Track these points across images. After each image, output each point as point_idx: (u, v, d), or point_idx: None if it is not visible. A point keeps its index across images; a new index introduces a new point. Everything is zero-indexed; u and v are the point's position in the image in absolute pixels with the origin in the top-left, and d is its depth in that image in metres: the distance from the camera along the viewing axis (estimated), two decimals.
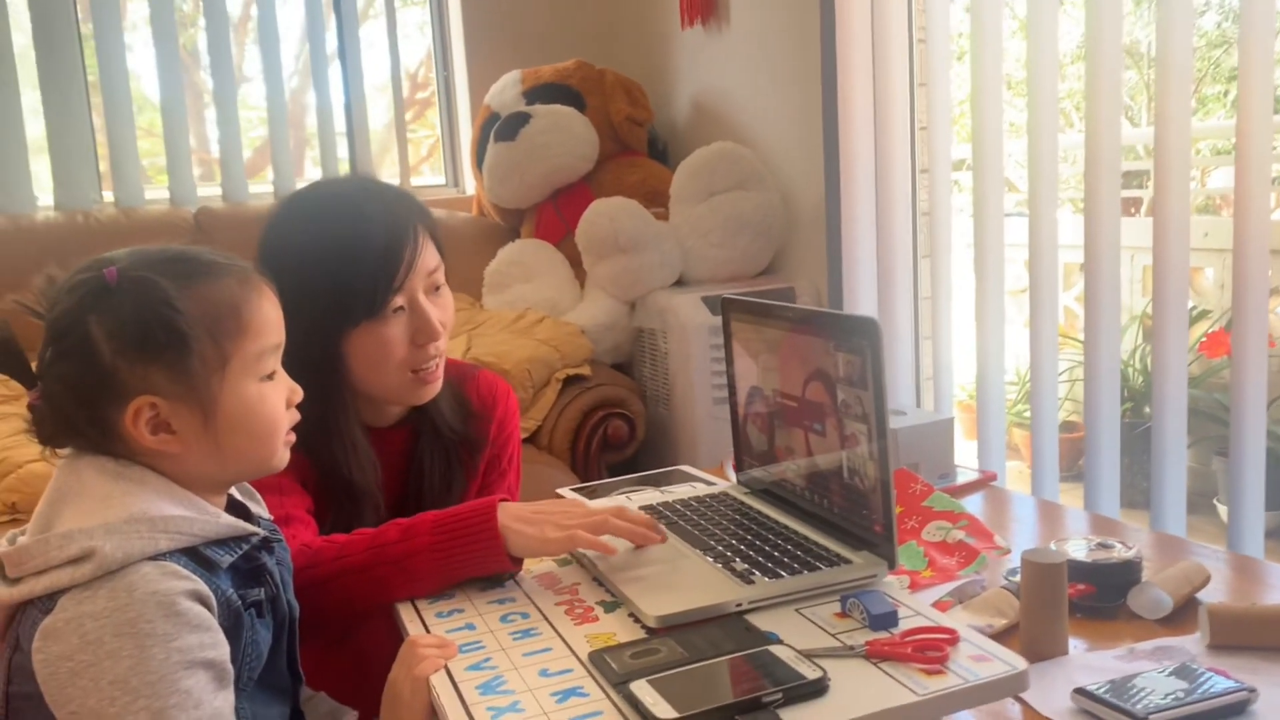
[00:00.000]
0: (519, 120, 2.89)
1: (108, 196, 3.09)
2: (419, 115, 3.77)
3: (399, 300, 1.14)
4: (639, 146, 3.09)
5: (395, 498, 1.28)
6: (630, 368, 2.80)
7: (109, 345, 0.80)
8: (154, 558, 0.78)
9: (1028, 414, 2.34)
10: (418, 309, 1.16)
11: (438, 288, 1.20)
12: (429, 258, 1.17)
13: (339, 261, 1.12)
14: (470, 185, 3.43)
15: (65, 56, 2.90)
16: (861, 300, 2.55)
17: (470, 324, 2.69)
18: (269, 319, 0.87)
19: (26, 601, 0.78)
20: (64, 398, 0.81)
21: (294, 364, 0.92)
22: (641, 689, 0.79)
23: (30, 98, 2.89)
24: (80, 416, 0.81)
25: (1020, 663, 0.82)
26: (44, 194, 2.98)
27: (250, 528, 0.86)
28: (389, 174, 3.44)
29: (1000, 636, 1.13)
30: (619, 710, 0.79)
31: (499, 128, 2.93)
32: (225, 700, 0.79)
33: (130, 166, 3.04)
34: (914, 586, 1.26)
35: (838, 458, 1.07)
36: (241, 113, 3.19)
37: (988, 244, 2.25)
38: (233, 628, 0.82)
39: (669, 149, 3.24)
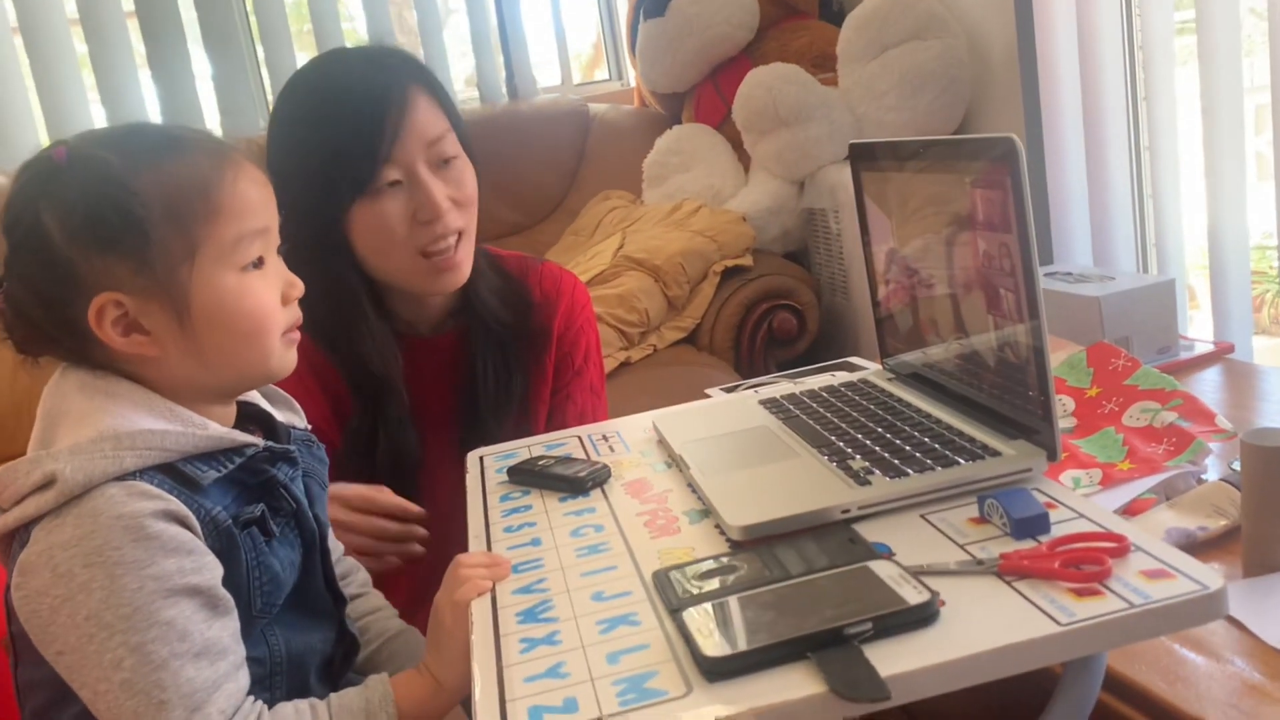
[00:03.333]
0: None
1: None
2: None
3: (392, 173, 1.02)
4: (808, 8, 2.79)
5: (451, 411, 1.16)
6: (802, 255, 2.57)
7: (61, 235, 0.71)
8: (121, 478, 0.69)
9: None
10: (417, 182, 1.03)
11: (446, 160, 1.05)
12: (427, 124, 1.03)
13: (321, 132, 1.01)
14: (633, 76, 3.25)
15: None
16: (1068, 154, 2.20)
17: (626, 221, 2.54)
18: (248, 200, 0.76)
19: (11, 534, 0.72)
20: (25, 298, 0.73)
21: (298, 252, 0.81)
22: (695, 617, 0.63)
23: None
24: (45, 319, 0.73)
25: (1214, 580, 0.60)
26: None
27: (245, 438, 0.76)
28: (551, 72, 3.32)
29: (1218, 542, 0.90)
30: (669, 643, 0.63)
31: (647, 4, 2.73)
32: (222, 629, 0.70)
33: None
34: (1107, 482, 1.04)
35: (987, 325, 0.85)
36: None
37: (1220, 82, 1.84)
38: (226, 549, 0.72)
39: (845, 7, 2.92)
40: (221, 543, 0.72)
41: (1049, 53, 2.16)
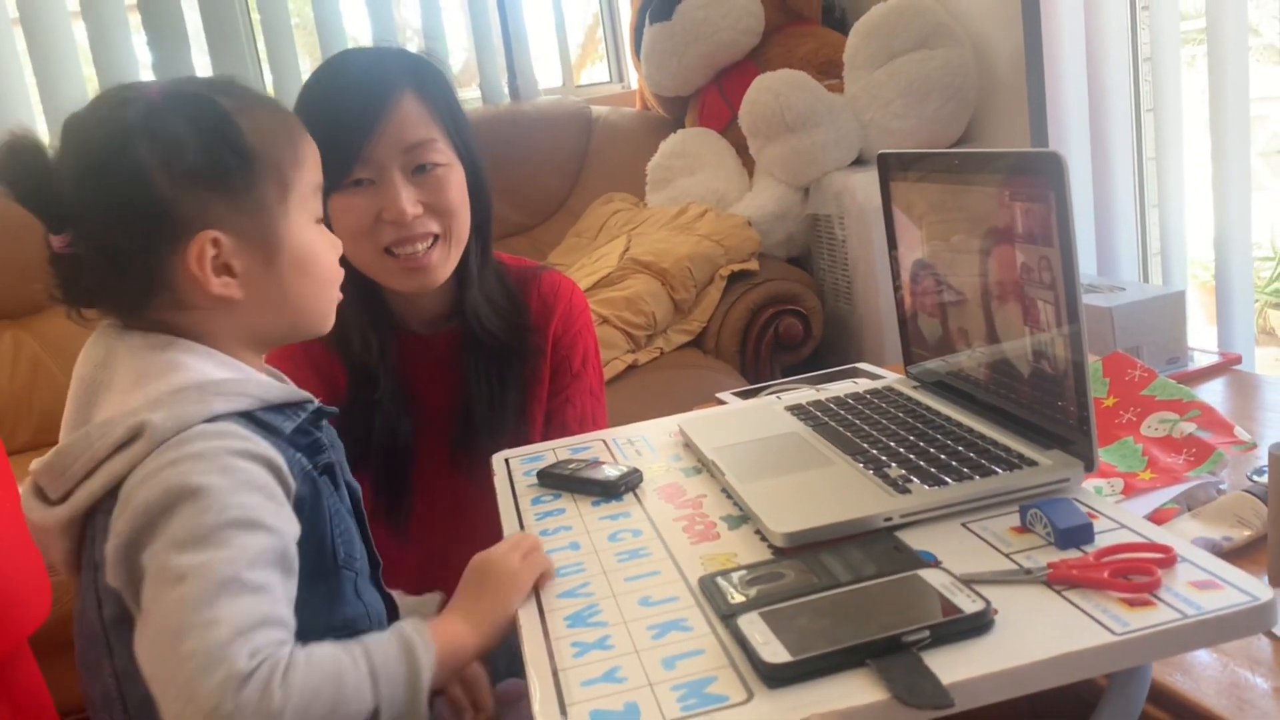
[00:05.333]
0: None
1: None
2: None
3: (362, 171, 1.05)
4: (811, 14, 2.80)
5: (445, 410, 1.18)
6: (806, 260, 2.58)
7: (165, 172, 0.71)
8: (210, 421, 0.69)
9: None
10: (385, 182, 1.06)
11: (426, 166, 1.07)
12: (407, 129, 1.06)
13: (311, 126, 1.05)
14: (634, 79, 3.25)
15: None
16: (1074, 164, 2.21)
17: (630, 224, 2.55)
18: (316, 156, 0.80)
19: (91, 514, 0.70)
20: (109, 240, 0.71)
21: None
22: (751, 624, 0.63)
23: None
24: (130, 261, 0.72)
25: (1263, 591, 0.61)
26: None
27: (305, 394, 0.77)
28: (550, 73, 3.32)
29: (1242, 552, 0.91)
30: (724, 649, 0.64)
31: (653, 8, 2.72)
32: (284, 582, 0.68)
33: None
34: (1129, 491, 1.04)
35: (1022, 336, 0.86)
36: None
37: (1227, 93, 1.86)
38: (312, 495, 0.73)
39: (848, 15, 2.93)
40: (309, 487, 0.73)
41: (1055, 63, 2.18)
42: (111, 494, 0.69)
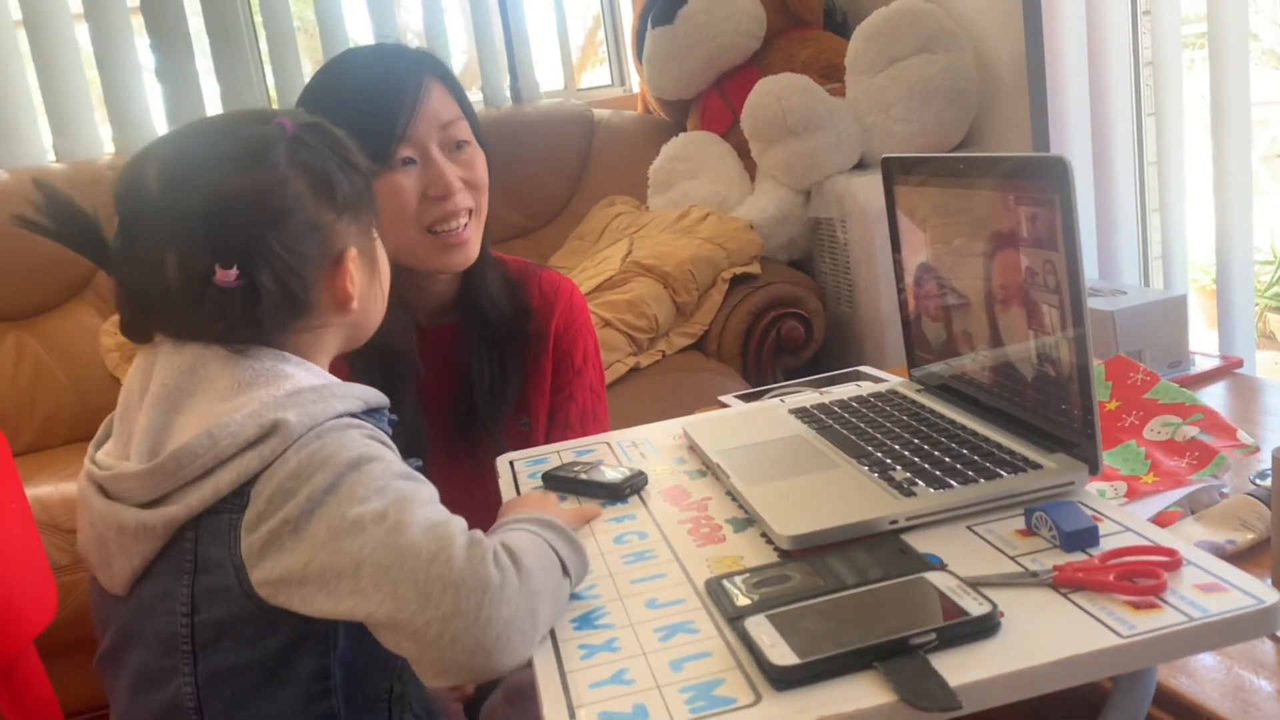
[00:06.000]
0: (676, 1, 2.68)
1: None
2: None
3: (407, 150, 1.09)
4: (813, 18, 2.80)
5: (448, 402, 1.20)
6: (807, 264, 2.58)
7: (314, 200, 0.77)
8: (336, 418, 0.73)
9: None
10: (430, 160, 1.10)
11: (459, 144, 1.12)
12: (440, 109, 1.11)
13: (343, 114, 1.06)
14: (636, 82, 3.26)
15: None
16: (1075, 168, 2.21)
17: (632, 227, 2.55)
18: None
19: (195, 519, 0.71)
20: (280, 268, 0.74)
21: None
22: (758, 626, 0.64)
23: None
24: (301, 286, 0.76)
25: (1269, 594, 0.61)
26: None
27: (383, 398, 0.80)
28: (552, 76, 3.32)
29: (1245, 555, 0.91)
30: (731, 651, 0.64)
31: (655, 12, 2.73)
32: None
33: None
34: (1132, 495, 1.05)
35: (1026, 339, 0.86)
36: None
37: (1228, 98, 1.87)
38: None
39: (849, 19, 2.94)
40: None
41: (1057, 67, 2.18)
42: (237, 492, 0.70)
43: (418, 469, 0.75)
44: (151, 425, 0.73)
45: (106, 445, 0.80)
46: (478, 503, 0.90)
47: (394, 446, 0.76)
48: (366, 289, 0.82)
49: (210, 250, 0.73)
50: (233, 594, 0.70)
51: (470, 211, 1.14)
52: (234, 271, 0.73)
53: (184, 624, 0.72)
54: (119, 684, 0.76)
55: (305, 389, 0.73)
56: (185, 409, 0.73)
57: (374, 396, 0.79)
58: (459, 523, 0.70)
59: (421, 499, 0.70)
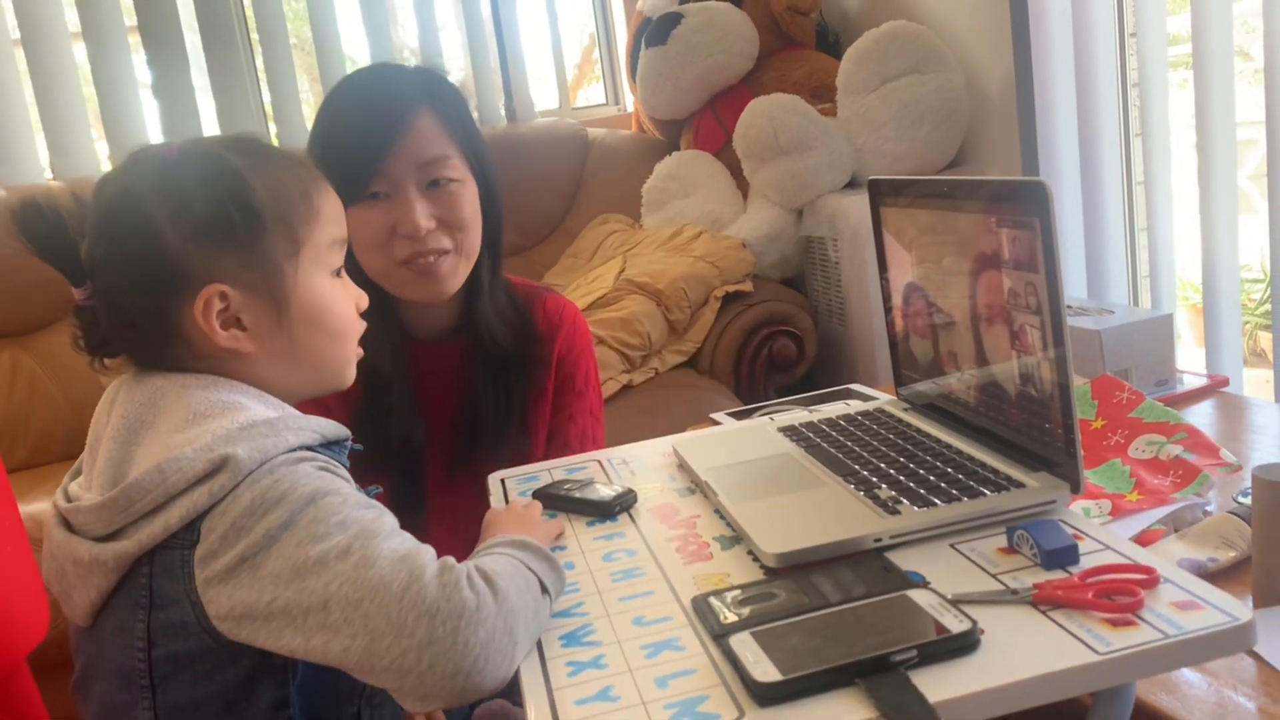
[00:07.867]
0: (670, 21, 2.71)
1: None
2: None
3: (379, 185, 1.09)
4: (805, 39, 2.83)
5: (449, 421, 1.21)
6: (799, 282, 2.60)
7: (173, 227, 0.73)
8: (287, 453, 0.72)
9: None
10: (401, 197, 1.09)
11: (437, 181, 1.11)
12: (424, 145, 1.09)
13: (330, 141, 1.09)
14: (630, 101, 3.28)
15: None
16: (1064, 188, 2.24)
17: (626, 245, 2.57)
18: (336, 209, 0.82)
19: (148, 554, 0.71)
20: (121, 293, 0.74)
21: None
22: (743, 643, 0.65)
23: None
24: (141, 313, 0.74)
25: (1243, 612, 0.62)
26: None
27: (345, 430, 0.79)
28: (547, 95, 3.35)
29: (1228, 573, 0.92)
30: (716, 668, 0.65)
31: (649, 32, 2.76)
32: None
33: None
34: (1116, 513, 1.06)
35: (1009, 359, 0.88)
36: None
37: (1214, 117, 1.89)
38: None
39: (841, 40, 2.97)
40: None
41: (1045, 88, 2.21)
42: (188, 527, 0.70)
43: (375, 497, 0.75)
44: (112, 457, 0.74)
45: (81, 478, 0.80)
46: (476, 520, 0.91)
47: (349, 478, 0.75)
48: (272, 330, 0.78)
49: (67, 269, 0.76)
50: (191, 629, 0.70)
51: (448, 252, 1.12)
52: (83, 290, 0.75)
53: (140, 659, 0.72)
54: (88, 713, 0.77)
55: (259, 422, 0.73)
56: (143, 440, 0.74)
57: (331, 429, 0.77)
58: (428, 551, 0.70)
59: (385, 530, 0.70)
